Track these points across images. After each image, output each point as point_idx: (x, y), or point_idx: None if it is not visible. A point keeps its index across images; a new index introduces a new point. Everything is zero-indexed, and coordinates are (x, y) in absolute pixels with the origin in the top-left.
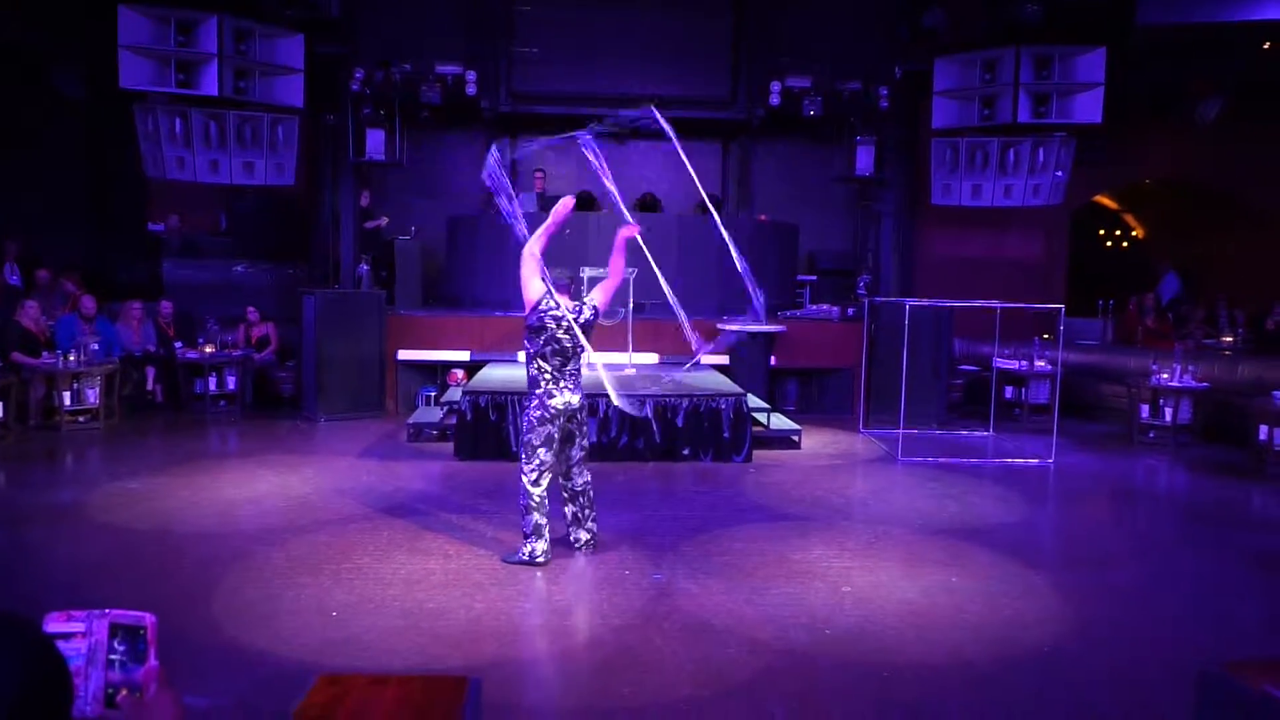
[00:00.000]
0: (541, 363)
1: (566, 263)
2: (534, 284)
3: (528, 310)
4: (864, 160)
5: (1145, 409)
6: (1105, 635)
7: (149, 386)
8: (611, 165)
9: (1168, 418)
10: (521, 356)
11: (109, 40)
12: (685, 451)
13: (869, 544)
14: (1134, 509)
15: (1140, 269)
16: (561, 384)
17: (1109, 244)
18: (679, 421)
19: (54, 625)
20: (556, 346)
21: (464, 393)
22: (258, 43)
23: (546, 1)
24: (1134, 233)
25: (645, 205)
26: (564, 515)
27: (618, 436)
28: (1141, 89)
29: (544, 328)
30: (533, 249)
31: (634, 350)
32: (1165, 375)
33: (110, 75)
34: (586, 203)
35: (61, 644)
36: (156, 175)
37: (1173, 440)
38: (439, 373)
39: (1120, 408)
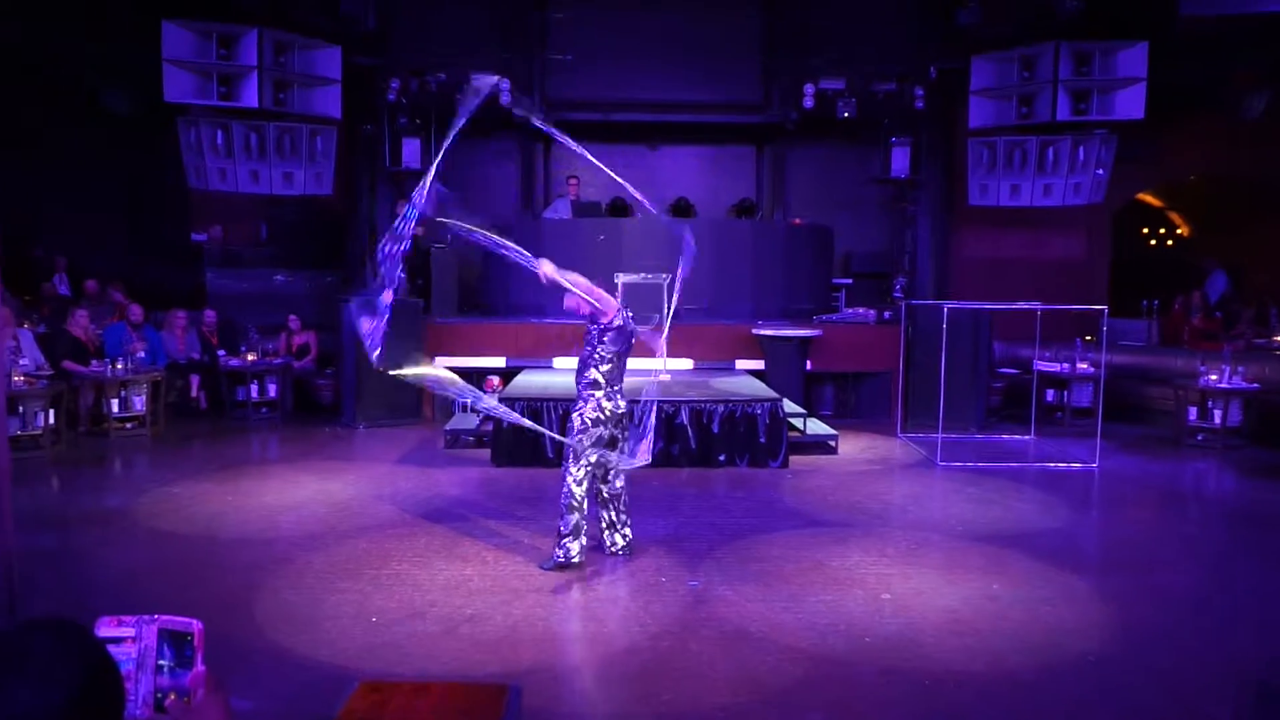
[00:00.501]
0: (612, 367)
1: (602, 269)
2: (605, 294)
3: (612, 315)
4: (899, 161)
5: (1193, 411)
6: (1151, 643)
7: (193, 394)
8: (643, 171)
9: (1216, 420)
10: (558, 362)
11: (152, 55)
12: (721, 457)
13: (908, 550)
14: (1181, 514)
15: (1186, 267)
16: (615, 388)
17: (1153, 243)
18: (715, 427)
19: (105, 630)
20: (626, 350)
21: (500, 399)
22: (296, 55)
23: (579, 8)
24: (1179, 230)
25: (678, 210)
26: (599, 519)
27: (653, 442)
28: (1185, 83)
29: (626, 332)
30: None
31: (668, 356)
32: (1214, 376)
33: (154, 90)
34: (620, 209)
35: (112, 648)
36: (199, 186)
37: (1222, 443)
38: (476, 380)
39: (1167, 410)
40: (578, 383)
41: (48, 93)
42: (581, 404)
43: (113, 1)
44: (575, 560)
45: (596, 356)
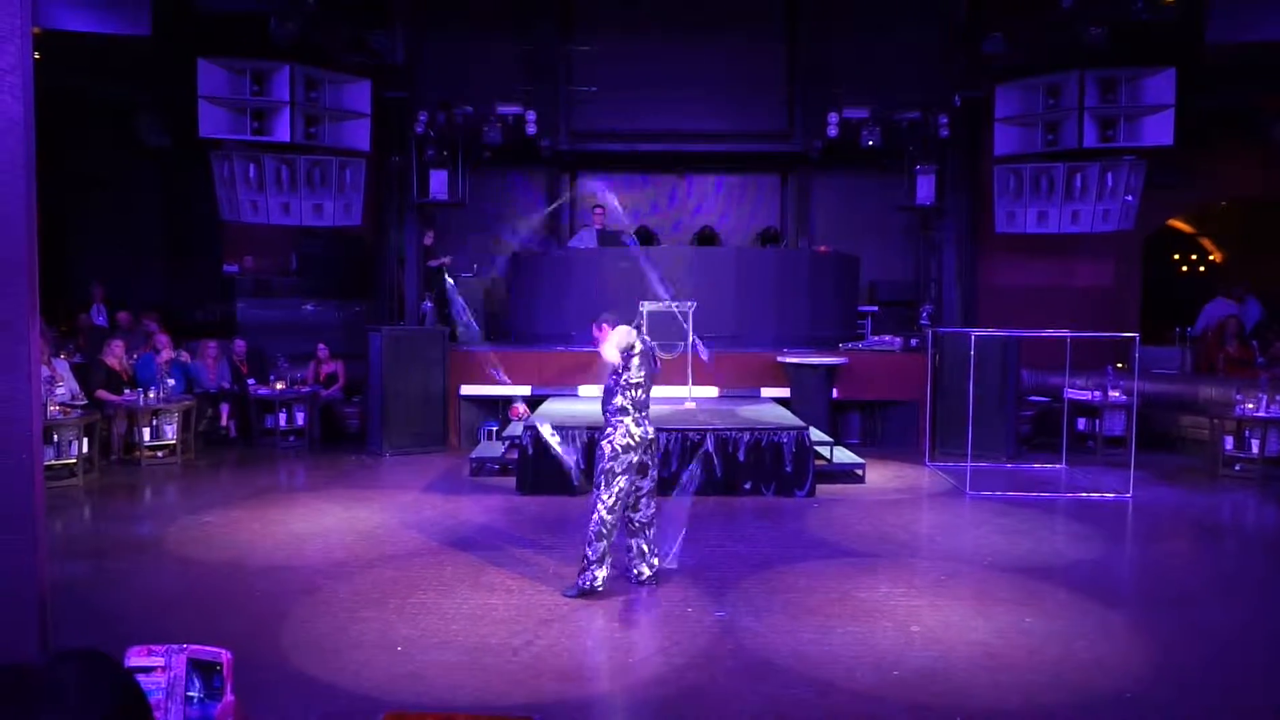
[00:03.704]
0: (639, 391)
1: (626, 297)
2: (611, 349)
3: (622, 353)
4: (924, 189)
5: (1229, 441)
6: (1194, 680)
7: (223, 422)
8: (670, 200)
9: (1254, 450)
10: (584, 390)
11: (188, 92)
12: (747, 486)
13: (938, 581)
14: (1221, 546)
15: (1219, 294)
16: (643, 414)
17: (1184, 269)
18: (740, 455)
19: (136, 659)
20: (651, 374)
21: (525, 427)
22: (327, 90)
23: (603, 41)
24: (1211, 257)
25: (704, 239)
26: (628, 548)
27: (679, 471)
28: (1214, 108)
29: (647, 355)
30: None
31: (693, 384)
32: (1250, 405)
33: (188, 125)
34: (644, 238)
35: (142, 678)
36: (231, 219)
37: (1260, 474)
38: (500, 407)
39: (1202, 439)
40: (605, 410)
41: (85, 127)
42: (611, 430)
43: (149, 40)
44: (599, 588)
45: (624, 382)
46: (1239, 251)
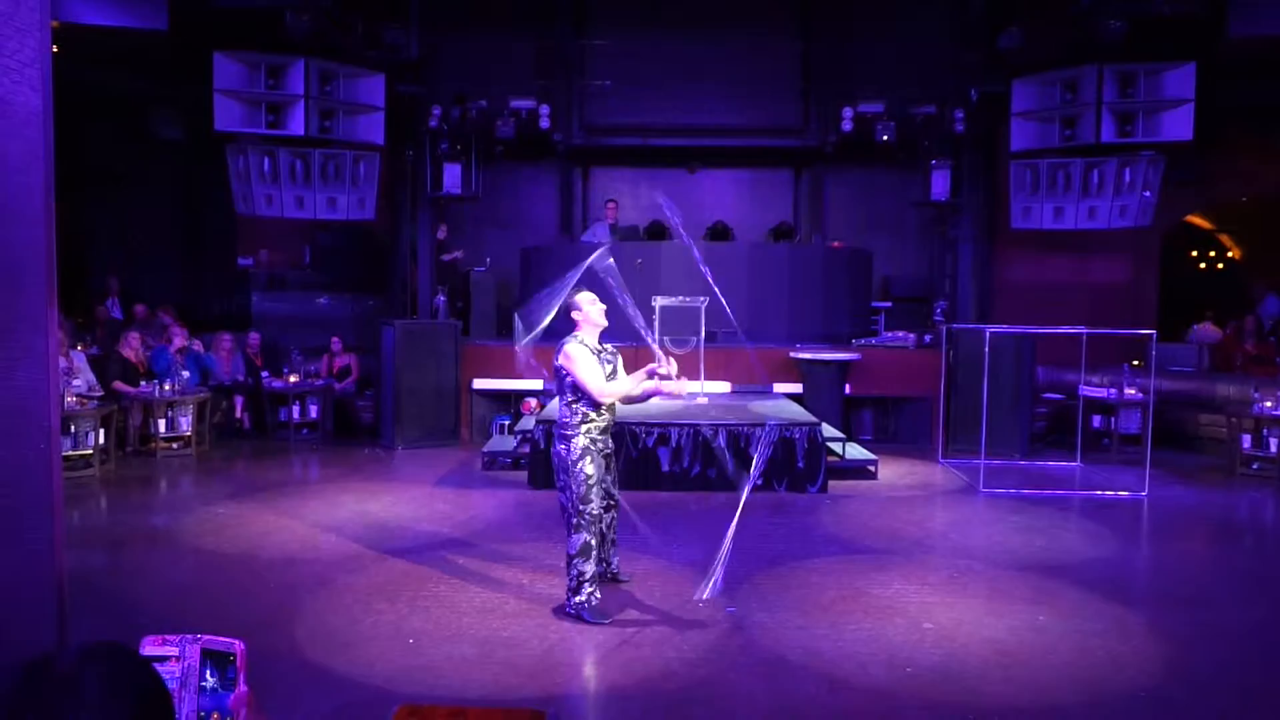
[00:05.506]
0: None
1: (639, 293)
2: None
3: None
4: (940, 185)
5: (1247, 439)
6: (1210, 680)
7: (237, 415)
8: (681, 194)
9: (1272, 448)
10: None
11: (203, 86)
12: (758, 481)
13: (951, 578)
14: (1238, 545)
15: (1238, 291)
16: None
17: (1203, 266)
18: (751, 451)
19: (150, 649)
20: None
21: (537, 422)
22: (341, 84)
23: (618, 35)
24: (1230, 253)
25: (716, 234)
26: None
27: (690, 466)
28: (1235, 103)
29: None
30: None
31: (705, 379)
32: (1269, 403)
33: (203, 119)
34: (657, 233)
35: (157, 667)
36: (246, 212)
37: (1278, 472)
38: (513, 401)
39: (1220, 438)
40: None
41: (101, 120)
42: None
43: (166, 33)
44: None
45: None
46: (1259, 248)
